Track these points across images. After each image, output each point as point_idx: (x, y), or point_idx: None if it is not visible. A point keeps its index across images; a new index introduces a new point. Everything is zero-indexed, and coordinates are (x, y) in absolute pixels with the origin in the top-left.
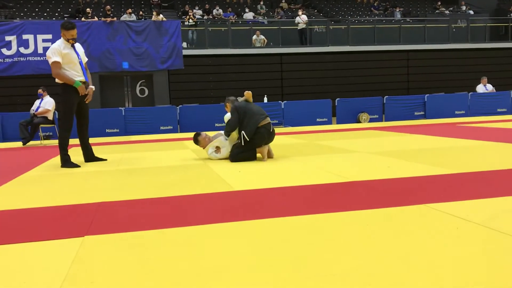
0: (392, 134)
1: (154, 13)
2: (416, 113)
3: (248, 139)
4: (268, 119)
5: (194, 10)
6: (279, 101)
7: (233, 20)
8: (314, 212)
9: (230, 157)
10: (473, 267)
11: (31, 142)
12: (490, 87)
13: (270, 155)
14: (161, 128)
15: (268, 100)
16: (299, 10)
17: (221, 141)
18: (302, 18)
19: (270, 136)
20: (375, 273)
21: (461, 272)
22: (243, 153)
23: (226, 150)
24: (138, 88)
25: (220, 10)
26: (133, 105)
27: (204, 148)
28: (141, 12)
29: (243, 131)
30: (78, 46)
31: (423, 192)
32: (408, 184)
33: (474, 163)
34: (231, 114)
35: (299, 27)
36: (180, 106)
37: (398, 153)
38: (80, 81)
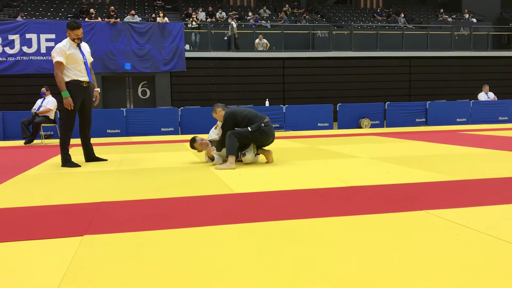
0: (393, 140)
1: (161, 14)
2: (417, 120)
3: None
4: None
5: (198, 12)
6: (281, 105)
7: (236, 24)
8: (315, 216)
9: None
10: (473, 275)
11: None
12: (492, 95)
13: (270, 160)
14: (162, 129)
15: (269, 104)
16: (229, 17)
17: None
18: (232, 25)
19: (272, 135)
20: (374, 278)
21: (461, 279)
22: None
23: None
24: (140, 89)
25: (223, 13)
26: (134, 106)
27: (200, 152)
28: (153, 15)
29: (249, 127)
30: (84, 45)
31: (423, 198)
32: (409, 190)
33: (475, 171)
34: (227, 121)
35: (229, 33)
36: (182, 108)
37: (399, 159)
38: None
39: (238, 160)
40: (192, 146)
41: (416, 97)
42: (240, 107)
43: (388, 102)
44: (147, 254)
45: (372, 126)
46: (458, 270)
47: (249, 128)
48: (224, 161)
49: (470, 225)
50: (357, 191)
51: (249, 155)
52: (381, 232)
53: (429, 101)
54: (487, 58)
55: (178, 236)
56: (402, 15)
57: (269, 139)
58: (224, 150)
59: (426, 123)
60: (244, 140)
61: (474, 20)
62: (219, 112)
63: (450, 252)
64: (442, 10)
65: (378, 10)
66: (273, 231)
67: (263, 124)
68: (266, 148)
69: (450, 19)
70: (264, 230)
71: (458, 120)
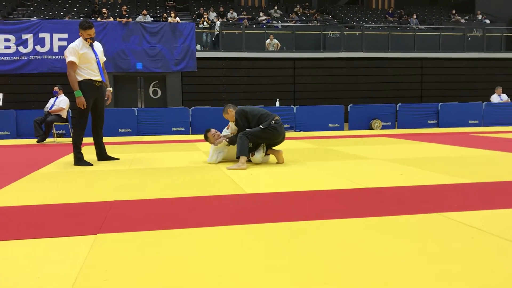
0: (404, 142)
1: (172, 14)
2: (429, 122)
3: (263, 128)
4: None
5: (209, 13)
6: (291, 106)
7: (247, 24)
8: (326, 218)
9: (240, 135)
10: (488, 279)
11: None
12: (504, 97)
13: (280, 160)
14: (173, 129)
15: (280, 105)
16: (215, 18)
17: (224, 149)
18: (217, 24)
19: (282, 133)
20: (386, 281)
21: (476, 284)
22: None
23: (220, 156)
24: (151, 89)
25: (235, 14)
26: (145, 106)
27: (212, 144)
28: (164, 15)
29: (261, 125)
30: (97, 45)
31: (436, 201)
32: (421, 192)
33: (489, 173)
34: (239, 118)
35: (216, 32)
36: (193, 108)
37: (411, 161)
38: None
39: (247, 160)
40: (206, 136)
41: (427, 98)
42: (250, 106)
43: (400, 104)
44: (161, 253)
45: (384, 127)
46: (472, 274)
47: (260, 126)
48: (232, 161)
49: (485, 228)
50: (369, 192)
51: (258, 155)
52: (394, 234)
53: (441, 103)
54: (500, 59)
55: (190, 235)
56: (414, 16)
57: (280, 137)
58: (233, 151)
59: (438, 125)
60: (256, 140)
61: (487, 21)
62: (231, 113)
63: (464, 256)
64: (454, 11)
65: (390, 11)
66: (284, 232)
67: (273, 122)
68: (276, 148)
69: (462, 20)
70: (275, 231)
71: (470, 122)
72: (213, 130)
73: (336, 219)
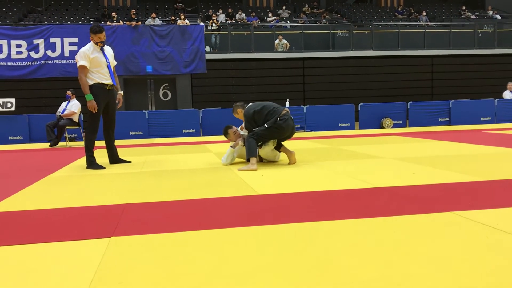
0: (416, 140)
1: (182, 16)
2: (440, 119)
3: (268, 127)
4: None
5: (218, 14)
6: (301, 106)
7: (256, 25)
8: (338, 218)
9: (250, 136)
10: (504, 277)
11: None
12: None
13: (292, 161)
14: (184, 131)
15: (290, 105)
16: (199, 18)
17: (238, 150)
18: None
19: (289, 127)
20: (400, 282)
21: (492, 283)
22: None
23: (234, 156)
24: (161, 92)
25: (243, 15)
26: (156, 108)
27: (230, 140)
28: (173, 17)
29: (266, 124)
30: (107, 49)
31: (450, 200)
32: (435, 191)
33: (503, 171)
34: (246, 121)
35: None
36: (203, 109)
37: (423, 160)
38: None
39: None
40: (226, 132)
41: (438, 96)
42: (258, 103)
43: (411, 102)
44: (175, 255)
45: (395, 126)
46: (488, 273)
47: (265, 125)
48: (244, 162)
49: (499, 226)
50: (382, 192)
51: (266, 147)
52: (407, 234)
53: (452, 100)
54: None
55: (204, 237)
56: (424, 13)
57: (287, 132)
58: (243, 150)
59: (449, 123)
60: (263, 139)
61: (498, 16)
62: (240, 113)
63: (480, 254)
64: (464, 7)
65: (399, 9)
66: (298, 233)
67: (279, 118)
68: (287, 145)
69: (473, 16)
70: (288, 232)
71: (482, 119)
72: (234, 128)
73: (348, 219)
